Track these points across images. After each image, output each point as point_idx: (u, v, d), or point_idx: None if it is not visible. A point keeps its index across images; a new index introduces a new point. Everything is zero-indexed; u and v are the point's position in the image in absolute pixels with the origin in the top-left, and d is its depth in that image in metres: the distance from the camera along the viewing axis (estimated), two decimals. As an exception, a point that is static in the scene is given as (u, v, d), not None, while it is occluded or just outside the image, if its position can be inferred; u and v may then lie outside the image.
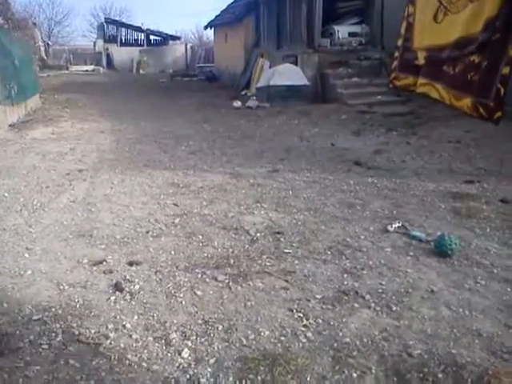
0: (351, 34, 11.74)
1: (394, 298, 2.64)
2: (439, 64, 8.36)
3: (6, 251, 3.24)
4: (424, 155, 5.92)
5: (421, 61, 9.14)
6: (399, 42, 9.89)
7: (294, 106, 9.99)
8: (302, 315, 2.47)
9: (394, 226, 3.62)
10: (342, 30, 11.68)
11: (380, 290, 2.72)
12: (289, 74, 11.03)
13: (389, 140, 6.93)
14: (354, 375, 2.04)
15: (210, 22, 20.61)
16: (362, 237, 3.47)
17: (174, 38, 30.68)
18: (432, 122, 7.74)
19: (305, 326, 2.39)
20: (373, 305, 2.57)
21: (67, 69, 25.71)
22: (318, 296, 2.66)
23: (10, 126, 8.34)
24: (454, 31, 7.88)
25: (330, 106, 10.06)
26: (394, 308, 2.54)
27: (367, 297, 2.65)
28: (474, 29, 6.46)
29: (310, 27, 11.63)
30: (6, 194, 4.49)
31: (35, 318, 2.45)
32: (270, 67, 12.51)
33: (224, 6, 19.90)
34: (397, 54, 9.99)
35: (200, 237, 3.49)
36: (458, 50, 7.82)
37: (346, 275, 2.90)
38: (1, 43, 8.94)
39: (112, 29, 30.43)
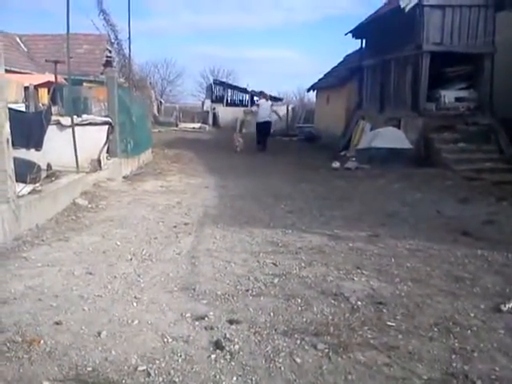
0: (458, 99, 11.50)
1: (509, 387, 2.42)
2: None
3: (117, 299, 3.42)
4: (540, 229, 5.50)
5: None
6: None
7: (395, 169, 9.80)
8: (406, 396, 2.34)
9: (507, 305, 3.35)
10: (448, 95, 11.48)
11: (493, 377, 2.51)
12: (391, 137, 10.96)
13: (499, 210, 6.53)
14: None
15: (313, 85, 21.32)
16: (472, 314, 3.25)
17: (277, 99, 31.79)
18: (548, 192, 7.22)
19: (410, 408, 2.25)
20: (485, 393, 2.37)
21: (176, 125, 27.40)
22: (424, 376, 2.50)
23: (123, 177, 9.01)
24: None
25: (434, 170, 9.76)
26: (510, 399, 2.33)
27: (478, 382, 2.45)
28: None
29: (414, 91, 11.58)
30: (119, 243, 4.79)
31: (140, 368, 2.53)
32: (371, 130, 12.52)
33: (327, 69, 20.59)
34: None
35: (299, 300, 3.45)
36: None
37: (454, 356, 2.71)
38: (121, 101, 9.80)
39: (219, 90, 32.32)
